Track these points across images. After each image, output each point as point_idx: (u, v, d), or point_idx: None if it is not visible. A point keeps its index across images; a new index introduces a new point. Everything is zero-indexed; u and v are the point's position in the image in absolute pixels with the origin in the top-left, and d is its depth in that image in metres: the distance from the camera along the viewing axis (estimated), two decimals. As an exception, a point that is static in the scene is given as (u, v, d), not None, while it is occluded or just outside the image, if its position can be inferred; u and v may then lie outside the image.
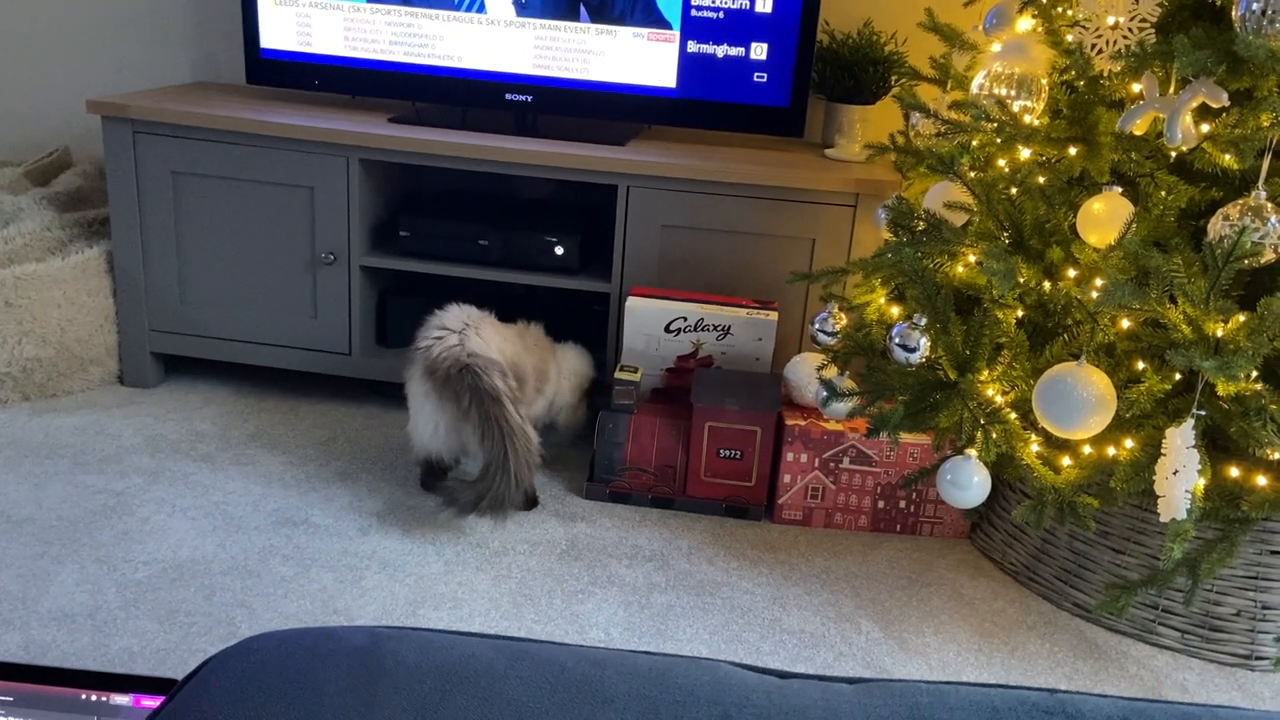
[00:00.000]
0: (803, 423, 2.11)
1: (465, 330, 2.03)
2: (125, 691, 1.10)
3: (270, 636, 0.71)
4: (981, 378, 1.65)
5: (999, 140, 1.75)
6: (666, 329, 2.25)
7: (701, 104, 2.42)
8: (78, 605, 1.70)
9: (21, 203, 2.54)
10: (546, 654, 0.71)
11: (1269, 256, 1.41)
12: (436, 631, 0.74)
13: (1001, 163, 1.80)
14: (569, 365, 2.30)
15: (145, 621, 1.68)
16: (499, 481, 1.91)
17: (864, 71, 2.48)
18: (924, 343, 1.70)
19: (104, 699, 1.10)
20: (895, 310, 1.93)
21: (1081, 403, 1.49)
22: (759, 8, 2.33)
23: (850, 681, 0.74)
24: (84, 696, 1.10)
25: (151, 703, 1.10)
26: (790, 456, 2.11)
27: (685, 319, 2.24)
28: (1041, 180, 1.69)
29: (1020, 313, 1.71)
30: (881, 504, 2.13)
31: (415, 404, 2.04)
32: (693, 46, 2.38)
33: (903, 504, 2.13)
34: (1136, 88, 1.59)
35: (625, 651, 0.73)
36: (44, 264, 2.37)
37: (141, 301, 2.48)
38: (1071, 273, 1.62)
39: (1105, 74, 1.67)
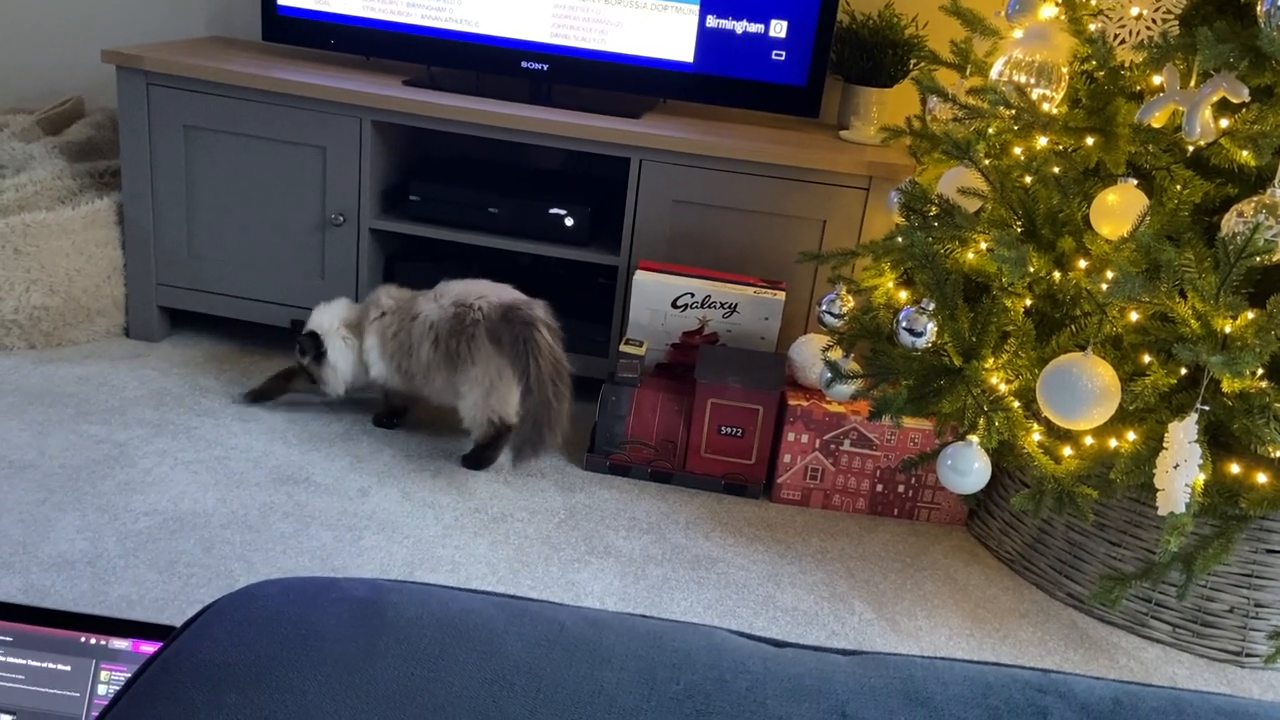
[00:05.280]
0: (805, 403, 2.11)
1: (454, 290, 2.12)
2: (124, 636, 1.11)
3: (273, 584, 0.71)
4: (986, 365, 1.65)
5: (1016, 127, 1.74)
6: (673, 304, 2.25)
7: (718, 80, 2.41)
8: (78, 552, 1.71)
9: (33, 150, 2.54)
10: (546, 613, 0.71)
11: (1281, 255, 1.41)
12: (438, 586, 0.74)
13: (1017, 150, 1.80)
14: None
15: (144, 571, 1.69)
16: (531, 403, 1.98)
17: (883, 54, 2.46)
18: (931, 328, 1.70)
19: (103, 642, 1.11)
20: (903, 294, 1.92)
21: (1086, 393, 1.49)
22: (780, -15, 2.32)
23: (845, 653, 0.74)
24: (83, 639, 1.11)
25: (150, 648, 1.11)
26: (791, 436, 2.11)
27: (692, 295, 2.24)
28: (1057, 169, 1.68)
29: (1028, 301, 1.71)
30: (880, 487, 2.13)
31: (491, 373, 2.05)
32: (712, 21, 2.36)
33: (901, 488, 2.13)
34: (1157, 80, 1.58)
35: (624, 614, 0.74)
36: (54, 213, 2.37)
37: (149, 254, 2.48)
38: (1082, 263, 1.61)
39: (1126, 65, 1.66)
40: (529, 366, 1.98)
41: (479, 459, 2.13)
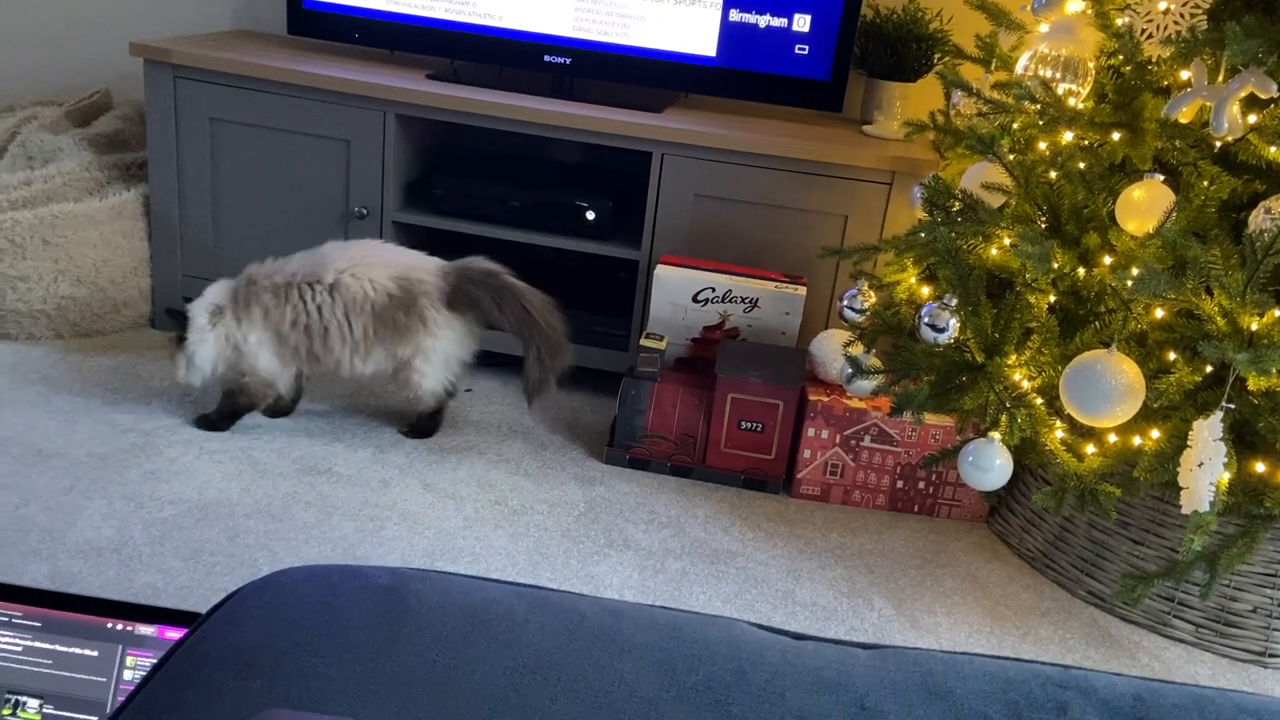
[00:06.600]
0: (826, 399, 2.11)
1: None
2: (150, 622, 1.12)
3: (298, 570, 0.72)
4: (1009, 361, 1.64)
5: (1041, 122, 1.73)
6: (694, 299, 2.25)
7: (740, 74, 2.40)
8: (104, 539, 1.74)
9: (61, 143, 2.56)
10: (567, 603, 0.72)
11: (1309, 252, 1.39)
12: (459, 575, 0.75)
13: (1042, 146, 1.78)
14: None
15: (170, 559, 1.71)
16: (537, 335, 2.04)
17: (906, 48, 2.45)
18: (953, 323, 1.69)
19: (130, 628, 1.12)
20: (925, 290, 1.92)
21: (1110, 390, 1.48)
22: (804, -21, 2.31)
23: (865, 647, 0.74)
24: (110, 625, 1.13)
25: (175, 634, 1.12)
26: (811, 432, 2.11)
27: (713, 289, 2.24)
28: (1082, 165, 1.67)
29: (1052, 298, 1.70)
30: (900, 484, 2.13)
31: (447, 338, 2.09)
32: (735, 15, 2.36)
33: (922, 485, 2.13)
34: (1184, 75, 1.57)
35: (644, 605, 0.74)
36: (81, 204, 2.39)
37: (175, 246, 2.50)
38: (1107, 260, 1.60)
39: (1154, 59, 1.64)
40: (523, 305, 2.04)
41: (427, 428, 2.20)
